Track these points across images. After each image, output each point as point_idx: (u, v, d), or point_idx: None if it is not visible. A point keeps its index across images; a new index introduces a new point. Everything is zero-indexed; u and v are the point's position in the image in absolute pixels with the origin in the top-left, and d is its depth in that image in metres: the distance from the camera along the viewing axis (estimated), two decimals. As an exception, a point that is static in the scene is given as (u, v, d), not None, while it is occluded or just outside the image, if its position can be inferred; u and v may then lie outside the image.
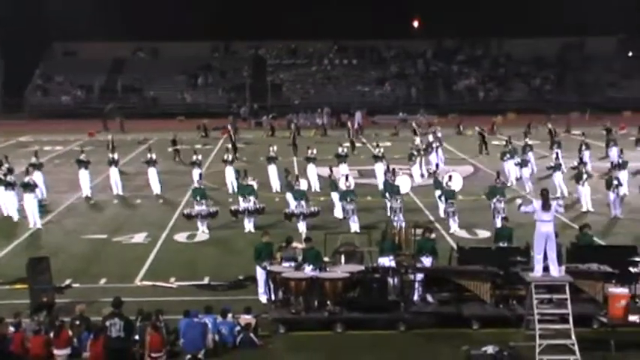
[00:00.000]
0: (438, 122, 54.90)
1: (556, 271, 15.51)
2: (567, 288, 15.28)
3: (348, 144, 41.21)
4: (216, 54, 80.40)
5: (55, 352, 15.29)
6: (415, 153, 35.30)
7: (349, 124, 52.67)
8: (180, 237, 25.42)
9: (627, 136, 46.10)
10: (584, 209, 27.84)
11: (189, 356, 15.34)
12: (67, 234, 26.32)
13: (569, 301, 15.15)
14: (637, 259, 17.36)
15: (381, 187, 29.14)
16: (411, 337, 16.64)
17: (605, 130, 43.12)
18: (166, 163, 38.75)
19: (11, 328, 15.84)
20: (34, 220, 26.92)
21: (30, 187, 27.15)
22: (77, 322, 15.99)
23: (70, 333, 15.65)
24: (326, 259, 18.32)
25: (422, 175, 34.84)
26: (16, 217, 27.80)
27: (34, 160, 32.08)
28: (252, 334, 16.14)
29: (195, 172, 31.38)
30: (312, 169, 32.86)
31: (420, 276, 17.73)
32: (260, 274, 18.52)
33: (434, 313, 17.43)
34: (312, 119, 61.59)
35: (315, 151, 33.75)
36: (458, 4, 71.22)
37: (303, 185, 27.06)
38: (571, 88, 74.19)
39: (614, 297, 16.07)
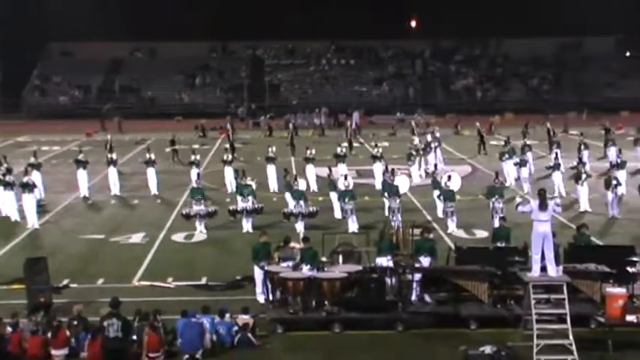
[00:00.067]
0: (436, 122, 54.86)
1: (554, 271, 15.51)
2: (565, 288, 15.28)
3: (346, 144, 41.20)
4: (214, 54, 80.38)
5: (53, 352, 15.27)
6: (414, 153, 35.28)
7: (348, 123, 52.68)
8: (178, 237, 25.41)
9: (625, 136, 46.12)
10: (581, 209, 27.86)
11: (186, 356, 15.33)
12: (65, 234, 26.31)
13: (566, 301, 15.14)
14: (634, 259, 17.38)
15: (378, 186, 29.13)
16: (408, 337, 16.63)
17: (603, 129, 43.14)
18: (164, 163, 38.72)
19: (9, 329, 15.82)
20: (33, 220, 26.90)
21: (29, 187, 27.14)
22: (75, 323, 15.98)
23: (68, 333, 15.64)
24: (324, 259, 18.31)
25: (420, 176, 34.83)
26: (16, 217, 27.75)
27: (32, 160, 32.08)
28: (249, 334, 16.14)
29: (194, 172, 31.44)
30: (310, 170, 32.86)
31: (417, 276, 17.71)
32: (258, 274, 18.52)
33: (432, 313, 17.42)
34: (310, 119, 61.55)
35: (313, 152, 33.75)
36: (455, 4, 71.25)
37: (302, 185, 27.08)
38: (569, 88, 74.21)
39: (611, 297, 16.09)
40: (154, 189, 32.79)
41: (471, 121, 51.10)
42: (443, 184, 26.36)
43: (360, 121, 57.58)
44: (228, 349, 15.96)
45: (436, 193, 27.06)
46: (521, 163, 32.58)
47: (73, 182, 32.90)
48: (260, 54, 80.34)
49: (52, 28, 71.52)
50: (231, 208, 26.24)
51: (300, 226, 24.86)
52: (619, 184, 27.60)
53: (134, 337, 15.20)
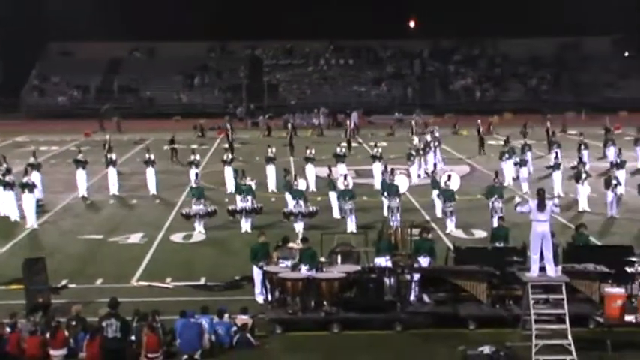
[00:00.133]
0: (434, 122, 54.88)
1: (552, 271, 15.50)
2: (564, 288, 15.28)
3: (345, 144, 41.20)
4: (213, 54, 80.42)
5: (52, 352, 15.26)
6: (414, 153, 35.25)
7: (347, 123, 52.67)
8: (177, 237, 25.40)
9: (622, 135, 46.14)
10: (580, 209, 27.87)
11: (185, 356, 15.33)
12: (64, 234, 26.30)
13: (565, 301, 15.14)
14: (633, 259, 17.36)
15: (377, 186, 29.12)
16: (407, 337, 16.63)
17: (603, 129, 43.14)
18: (162, 163, 38.69)
19: (7, 329, 15.81)
20: (32, 221, 26.89)
21: (29, 187, 27.12)
22: (73, 323, 15.96)
23: (67, 333, 15.62)
24: (322, 259, 18.31)
25: (419, 176, 34.80)
26: (16, 217, 27.72)
27: (32, 160, 32.05)
28: (248, 335, 16.13)
29: (193, 172, 31.43)
30: (310, 170, 32.87)
31: (416, 276, 17.71)
32: (256, 275, 18.52)
33: (430, 313, 17.42)
34: (309, 119, 61.58)
35: (313, 152, 33.75)
36: (454, 4, 71.32)
37: (301, 185, 27.08)
38: (567, 88, 74.28)
39: (610, 297, 16.07)
40: (152, 189, 32.79)
41: (469, 122, 51.12)
42: (442, 184, 26.36)
43: (359, 121, 57.56)
44: (226, 349, 15.94)
45: (435, 193, 27.07)
46: (521, 163, 32.56)
47: (72, 182, 32.90)
48: (259, 54, 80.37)
49: (51, 28, 71.57)
50: (230, 208, 26.24)
51: (299, 226, 24.86)
52: (619, 183, 27.60)
53: (133, 338, 15.17)
